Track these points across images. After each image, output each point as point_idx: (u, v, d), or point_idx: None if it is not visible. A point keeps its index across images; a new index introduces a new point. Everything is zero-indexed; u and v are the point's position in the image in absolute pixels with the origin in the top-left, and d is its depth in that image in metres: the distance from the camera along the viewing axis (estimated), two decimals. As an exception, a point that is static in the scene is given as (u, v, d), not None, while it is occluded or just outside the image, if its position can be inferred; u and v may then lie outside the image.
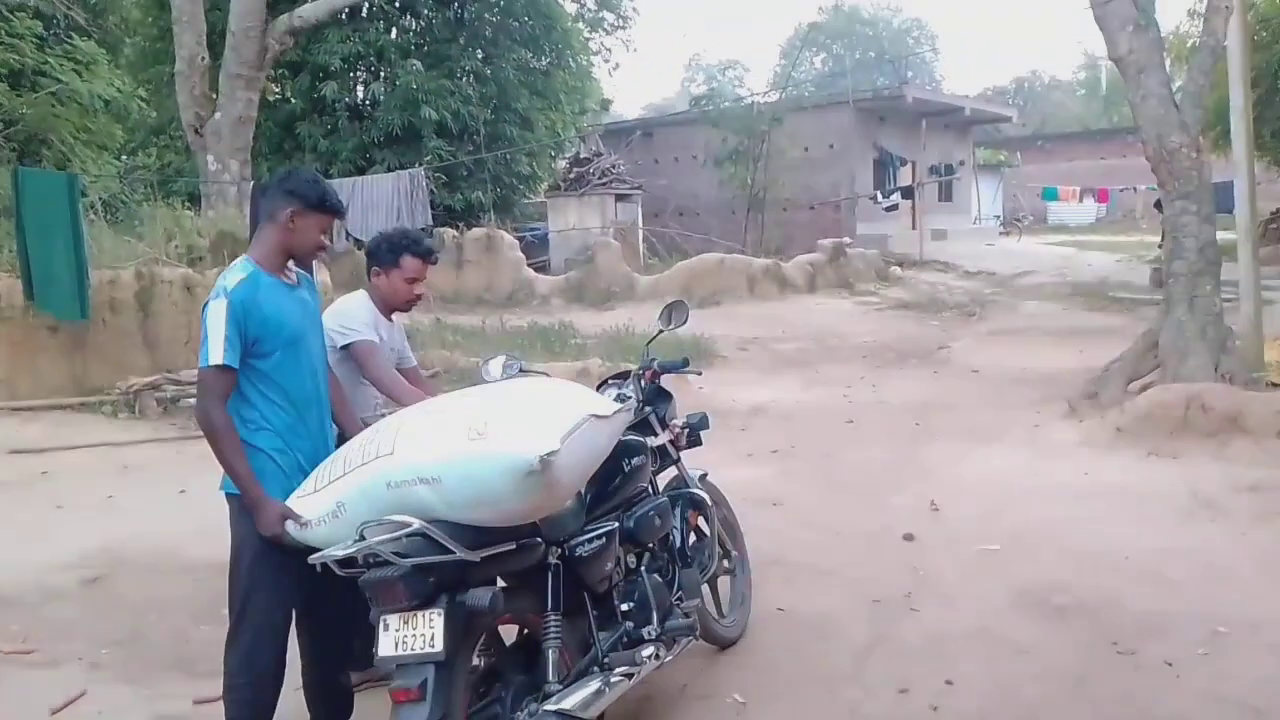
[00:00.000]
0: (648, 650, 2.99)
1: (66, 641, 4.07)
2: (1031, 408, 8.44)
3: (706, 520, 3.81)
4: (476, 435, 2.42)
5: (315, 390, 2.98)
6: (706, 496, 3.73)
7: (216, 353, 2.72)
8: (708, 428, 3.91)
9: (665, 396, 3.77)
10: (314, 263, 3.12)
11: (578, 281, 16.88)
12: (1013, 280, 19.52)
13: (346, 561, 2.51)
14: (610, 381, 3.73)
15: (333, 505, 2.61)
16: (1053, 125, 49.10)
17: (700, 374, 3.80)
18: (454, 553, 2.41)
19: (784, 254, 18.94)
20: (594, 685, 2.71)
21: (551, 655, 2.71)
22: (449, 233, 17.62)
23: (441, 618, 2.40)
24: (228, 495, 2.88)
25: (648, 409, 3.63)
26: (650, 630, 3.05)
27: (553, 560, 2.78)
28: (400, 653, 2.42)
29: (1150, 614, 4.17)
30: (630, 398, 3.46)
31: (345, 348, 3.44)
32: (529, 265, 17.93)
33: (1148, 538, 5.11)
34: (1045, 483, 6.23)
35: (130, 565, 4.90)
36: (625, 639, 3.05)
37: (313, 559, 2.52)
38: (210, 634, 4.07)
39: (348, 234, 17.80)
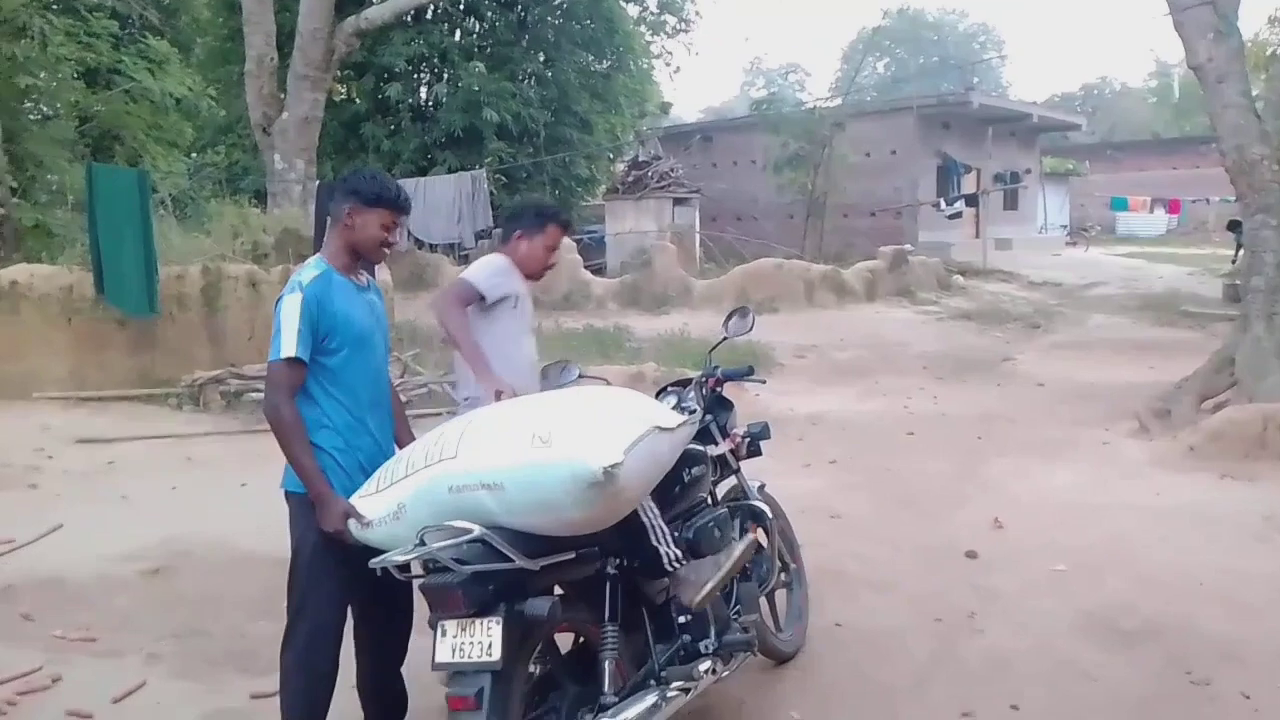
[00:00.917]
0: (705, 665, 2.93)
1: (128, 632, 4.12)
2: (1099, 423, 8.21)
3: (766, 533, 3.74)
4: (541, 443, 2.39)
5: (378, 391, 2.99)
6: (766, 508, 3.65)
7: (289, 346, 2.74)
8: (769, 437, 3.85)
9: (726, 405, 3.71)
10: (377, 262, 3.09)
11: (633, 285, 16.85)
12: (1079, 291, 19.08)
13: (405, 566, 2.49)
14: (670, 388, 3.68)
15: (394, 506, 2.60)
16: (1122, 133, 48.00)
17: (764, 382, 3.74)
18: (513, 561, 2.39)
19: (843, 261, 18.71)
20: (650, 700, 2.67)
21: (608, 666, 2.66)
22: (508, 234, 17.71)
23: (500, 626, 2.38)
24: (288, 493, 2.89)
25: (708, 417, 3.57)
26: (707, 644, 3.00)
27: (611, 570, 2.74)
28: (457, 659, 2.40)
29: (1225, 642, 4.00)
30: (695, 409, 3.40)
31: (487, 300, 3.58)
32: (585, 267, 17.95)
33: (1222, 562, 4.92)
34: (1114, 502, 6.04)
35: (191, 558, 4.96)
36: (682, 652, 2.99)
37: (373, 563, 2.51)
38: (267, 630, 4.10)
39: (409, 233, 17.99)
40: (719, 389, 3.68)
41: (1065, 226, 33.74)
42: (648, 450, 2.49)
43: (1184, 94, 50.31)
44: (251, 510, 5.54)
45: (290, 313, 2.76)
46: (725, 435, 3.61)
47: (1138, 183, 34.20)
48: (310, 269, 2.88)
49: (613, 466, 2.31)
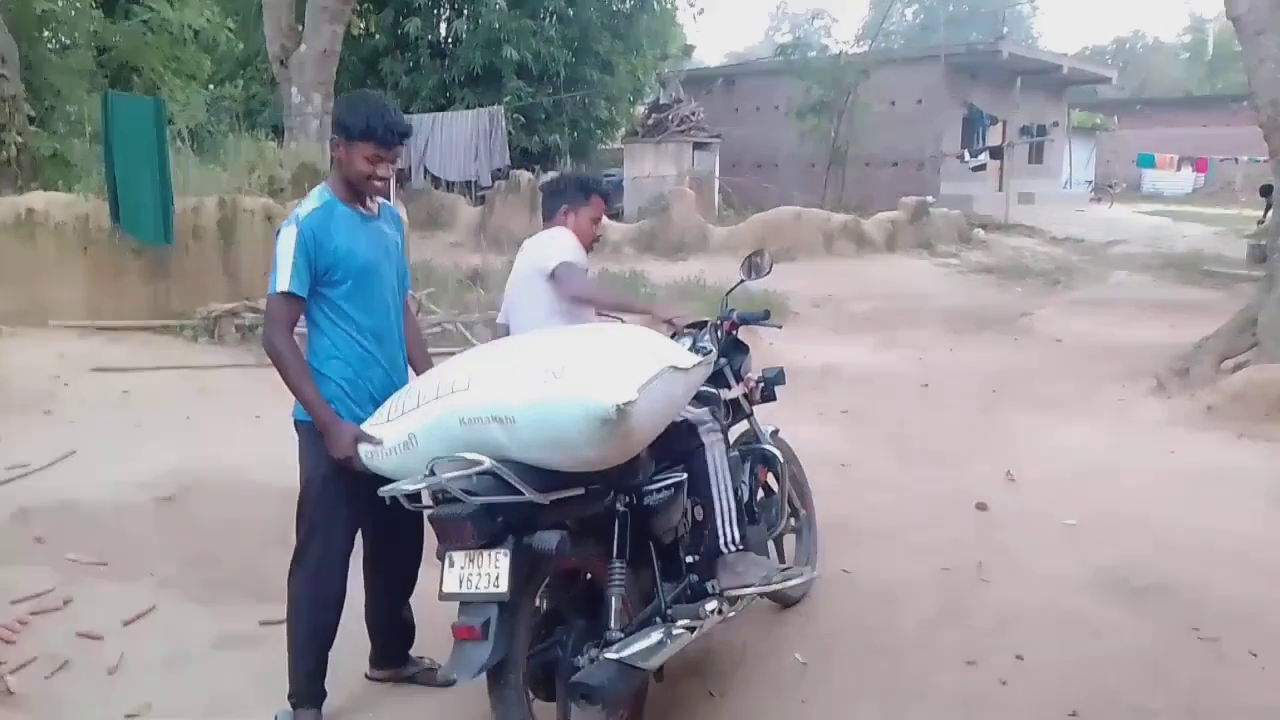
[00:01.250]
0: (710, 605, 2.93)
1: (139, 558, 4.16)
2: (1117, 381, 8.13)
3: (776, 477, 3.72)
4: (553, 377, 2.37)
5: (388, 322, 2.94)
6: (778, 453, 3.64)
7: (284, 280, 2.72)
8: (784, 383, 3.81)
9: (742, 349, 3.68)
10: (371, 196, 2.97)
11: (650, 230, 16.71)
12: (1102, 248, 18.84)
13: (415, 496, 2.48)
14: (686, 330, 3.64)
15: (404, 436, 2.59)
16: (1152, 89, 47.09)
17: (780, 327, 3.71)
18: (523, 494, 2.38)
19: (864, 211, 18.50)
20: (656, 636, 2.67)
21: (614, 603, 2.67)
22: (525, 175, 17.58)
23: (508, 558, 2.37)
24: (297, 423, 2.88)
25: (723, 360, 3.54)
26: (714, 585, 2.99)
27: (620, 508, 2.74)
28: (464, 590, 2.40)
29: (1235, 601, 3.98)
30: (710, 350, 3.37)
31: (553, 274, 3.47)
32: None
33: (1236, 522, 4.88)
34: (1128, 459, 6.00)
35: (203, 487, 4.99)
36: (689, 592, 2.99)
37: (382, 491, 2.50)
38: (278, 558, 4.09)
39: (426, 170, 17.89)
40: (734, 332, 3.64)
41: (1090, 182, 33.25)
42: (662, 390, 2.47)
43: (1218, 51, 49.21)
44: (265, 442, 5.55)
45: (286, 247, 2.72)
46: (739, 379, 3.59)
47: (1166, 140, 33.55)
48: (311, 200, 2.83)
49: (626, 404, 2.29)
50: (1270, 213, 15.94)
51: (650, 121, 21.29)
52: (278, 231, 2.79)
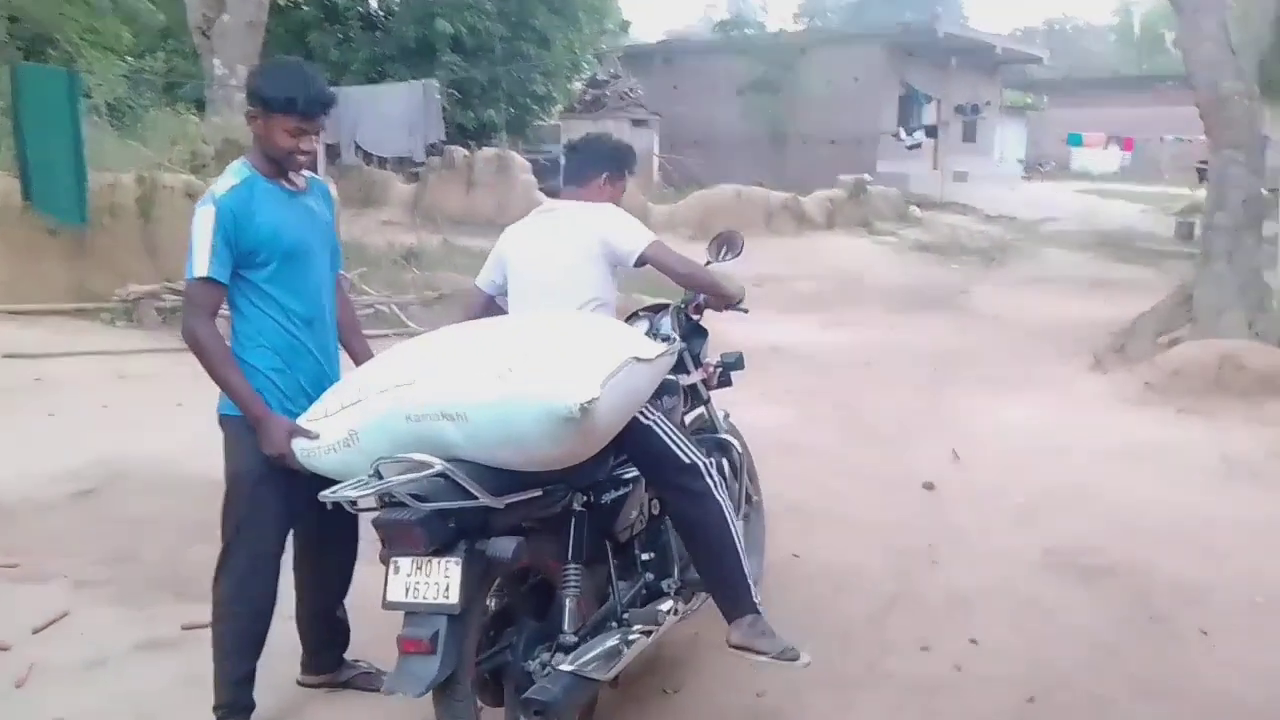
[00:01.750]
0: (667, 605, 2.81)
1: (54, 557, 3.89)
2: (1055, 358, 8.21)
3: (732, 467, 3.61)
4: (509, 371, 2.20)
5: (319, 306, 2.71)
6: (735, 443, 3.49)
7: (201, 264, 2.50)
8: (742, 368, 3.65)
9: (701, 333, 3.51)
10: (295, 171, 2.72)
11: (590, 208, 16.51)
12: (1035, 226, 19.14)
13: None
14: (642, 313, 3.47)
15: (345, 433, 2.39)
16: (1082, 70, 47.89)
17: (747, 311, 3.50)
18: (477, 498, 2.21)
19: (803, 188, 18.50)
20: (611, 643, 2.53)
21: (569, 604, 2.52)
22: (460, 151, 17.23)
23: (459, 567, 2.20)
24: (223, 417, 2.67)
25: (681, 344, 3.38)
26: (670, 583, 2.87)
27: (578, 507, 2.57)
28: (411, 599, 2.22)
29: (1184, 580, 3.98)
30: (672, 336, 3.23)
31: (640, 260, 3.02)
32: (540, 188, 17.54)
33: (1180, 500, 4.91)
34: (1071, 437, 6.02)
35: (123, 479, 4.72)
36: (644, 590, 2.86)
37: (324, 496, 2.29)
38: (203, 555, 3.86)
39: (357, 147, 17.39)
40: (698, 316, 3.47)
41: (1022, 161, 33.77)
42: (625, 383, 2.31)
43: (1145, 32, 50.32)
44: (187, 430, 5.28)
45: (203, 228, 2.49)
46: (698, 364, 3.43)
47: (1095, 119, 34.12)
48: (230, 176, 2.59)
49: (589, 402, 2.12)
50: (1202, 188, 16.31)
51: (588, 98, 21.06)
52: (193, 216, 2.56)
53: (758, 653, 2.72)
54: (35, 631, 3.31)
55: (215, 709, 2.71)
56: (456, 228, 14.94)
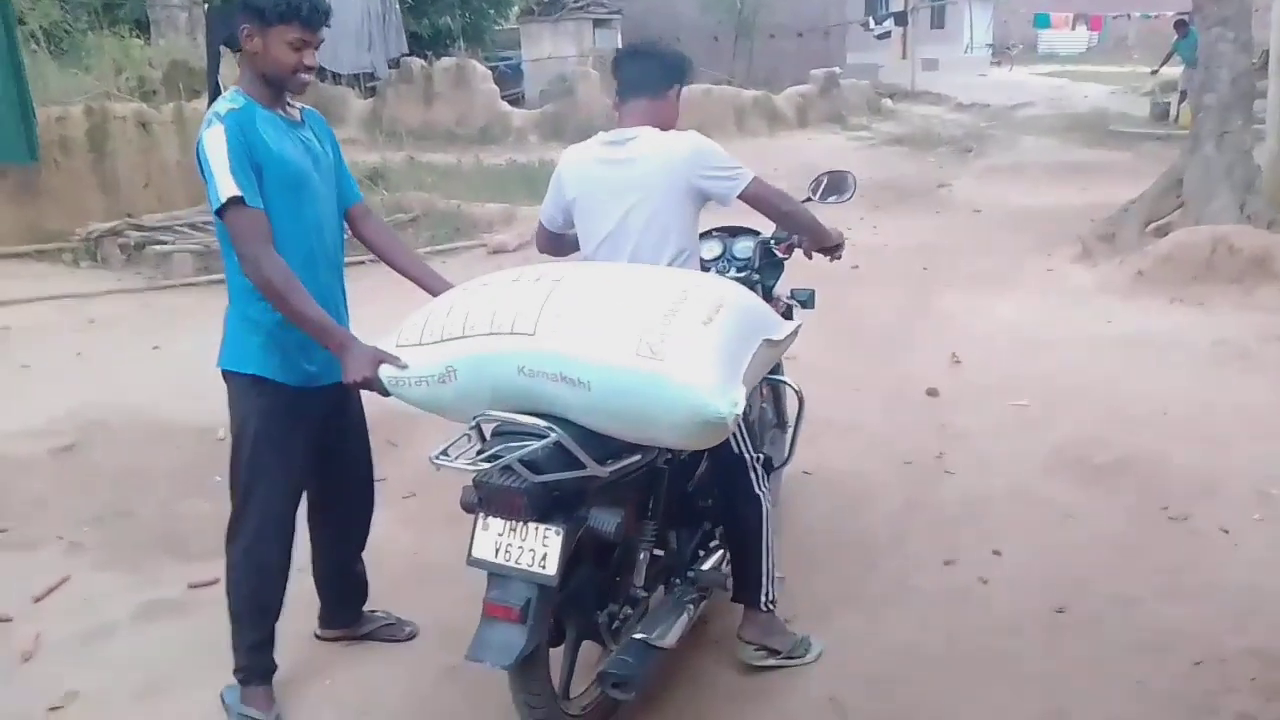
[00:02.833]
0: (725, 565, 2.75)
1: (42, 520, 3.76)
2: (1041, 249, 8.11)
3: (780, 416, 3.52)
4: (650, 353, 1.97)
5: (322, 246, 2.50)
6: (799, 389, 3.25)
7: (226, 185, 2.24)
8: (813, 307, 3.40)
9: (778, 266, 3.32)
10: (297, 93, 2.47)
11: (555, 115, 16.08)
12: (1008, 113, 18.86)
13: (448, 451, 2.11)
14: (715, 233, 3.27)
15: (441, 367, 2.17)
16: (1046, -54, 46.88)
17: (840, 258, 3.26)
18: (584, 467, 2.04)
19: (772, 86, 18.08)
20: (676, 607, 2.50)
21: (643, 558, 2.41)
22: (416, 62, 16.63)
23: (559, 538, 2.06)
24: (226, 373, 2.49)
25: (755, 277, 3.21)
26: (721, 531, 2.78)
27: (661, 464, 2.41)
28: (502, 561, 2.08)
29: (1196, 473, 3.96)
30: (746, 263, 3.16)
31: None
32: (503, 98, 17.03)
33: (1182, 390, 4.88)
34: (1066, 331, 5.96)
35: (106, 431, 4.53)
36: (701, 539, 2.78)
37: (435, 460, 2.08)
38: (199, 508, 3.79)
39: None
40: (787, 256, 3.26)
41: (990, 45, 33.21)
42: (755, 371, 2.17)
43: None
44: (167, 373, 5.13)
45: (215, 147, 2.26)
46: (770, 298, 3.25)
47: (1061, -1, 33.63)
48: (226, 101, 2.36)
49: (736, 408, 1.97)
50: (1173, 65, 16.09)
51: (546, -1, 20.29)
52: (199, 139, 2.32)
53: (770, 650, 2.74)
54: (36, 600, 3.20)
55: (235, 672, 2.62)
56: (419, 143, 14.52)
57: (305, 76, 2.40)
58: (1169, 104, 16.39)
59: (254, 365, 2.44)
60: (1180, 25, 15.72)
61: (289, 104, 2.47)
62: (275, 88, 2.40)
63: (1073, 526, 3.63)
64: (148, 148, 8.14)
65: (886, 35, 22.84)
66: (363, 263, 3.80)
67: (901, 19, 23.06)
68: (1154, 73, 17.71)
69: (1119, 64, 29.66)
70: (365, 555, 2.93)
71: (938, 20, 27.42)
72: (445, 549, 3.18)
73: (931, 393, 5.03)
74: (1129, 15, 29.58)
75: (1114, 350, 5.57)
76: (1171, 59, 16.14)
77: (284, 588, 2.63)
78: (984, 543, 3.51)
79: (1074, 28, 31.27)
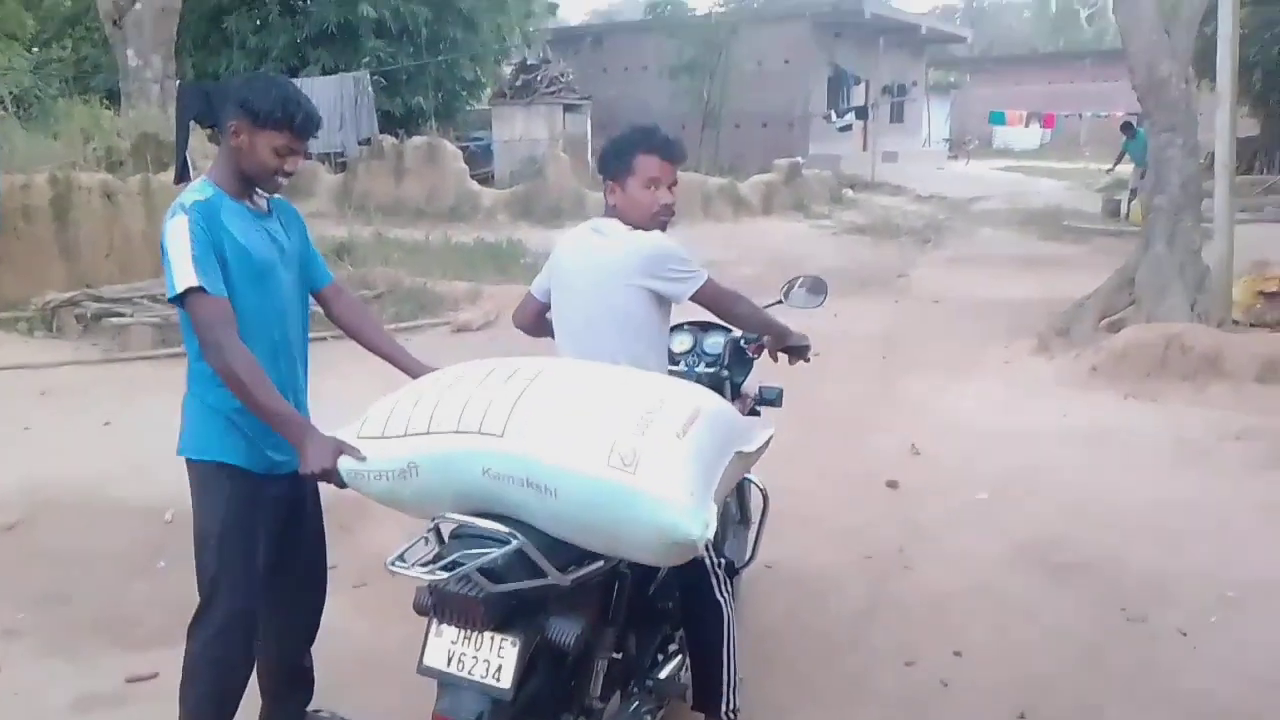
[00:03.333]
0: (684, 671, 2.69)
1: (-22, 602, 3.62)
2: (999, 341, 8.24)
3: (743, 512, 3.49)
4: (621, 465, 1.92)
5: (285, 337, 2.49)
6: (764, 488, 3.24)
7: (186, 275, 2.21)
8: (780, 405, 3.39)
9: (747, 364, 3.31)
10: (271, 194, 2.49)
11: (525, 195, 16.25)
12: (966, 206, 19.34)
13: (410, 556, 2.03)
14: (687, 327, 3.27)
15: (403, 463, 2.10)
16: (1000, 47, 48.80)
17: (809, 361, 3.27)
18: (546, 576, 1.97)
19: (737, 173, 18.46)
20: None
21: (601, 668, 2.33)
22: (388, 140, 16.80)
23: (516, 649, 1.98)
24: (190, 462, 2.43)
25: (725, 374, 3.20)
26: (681, 635, 2.72)
27: (624, 569, 2.33)
28: (454, 671, 1.99)
29: (1154, 574, 3.97)
30: (715, 360, 3.16)
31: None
32: (472, 176, 17.21)
33: (1140, 488, 4.93)
34: (1024, 424, 6.03)
35: (52, 509, 4.41)
36: (660, 642, 2.72)
37: (391, 566, 1.97)
38: (144, 592, 3.68)
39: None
40: (755, 356, 3.25)
41: (947, 140, 34.26)
42: (727, 485, 2.15)
43: (1060, 7, 51.36)
44: (119, 450, 5.01)
45: (178, 238, 2.25)
46: (737, 395, 3.24)
47: (1015, 96, 34.81)
48: (193, 192, 2.36)
49: (708, 530, 1.93)
50: (1123, 158, 16.65)
51: (518, 83, 20.65)
52: (163, 229, 2.31)
53: None
54: (-38, 694, 3.06)
55: None
56: (388, 218, 14.57)
57: (283, 180, 2.42)
58: (1120, 201, 16.93)
59: (218, 453, 2.40)
60: (1127, 127, 16.34)
61: (257, 194, 2.46)
62: (247, 182, 2.41)
63: (1033, 626, 3.61)
64: (111, 218, 8.09)
65: (848, 128, 23.50)
66: (324, 339, 3.77)
67: (862, 112, 23.76)
68: (1109, 172, 18.37)
69: (1071, 160, 30.68)
70: (312, 648, 2.85)
71: (897, 115, 28.27)
72: (397, 643, 3.09)
73: (892, 484, 5.04)
74: (1080, 115, 30.71)
75: (1071, 444, 5.63)
76: (1123, 158, 16.74)
77: (245, 683, 2.53)
78: (945, 642, 3.48)
79: (1027, 125, 32.19)
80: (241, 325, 2.31)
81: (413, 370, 2.57)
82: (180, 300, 2.26)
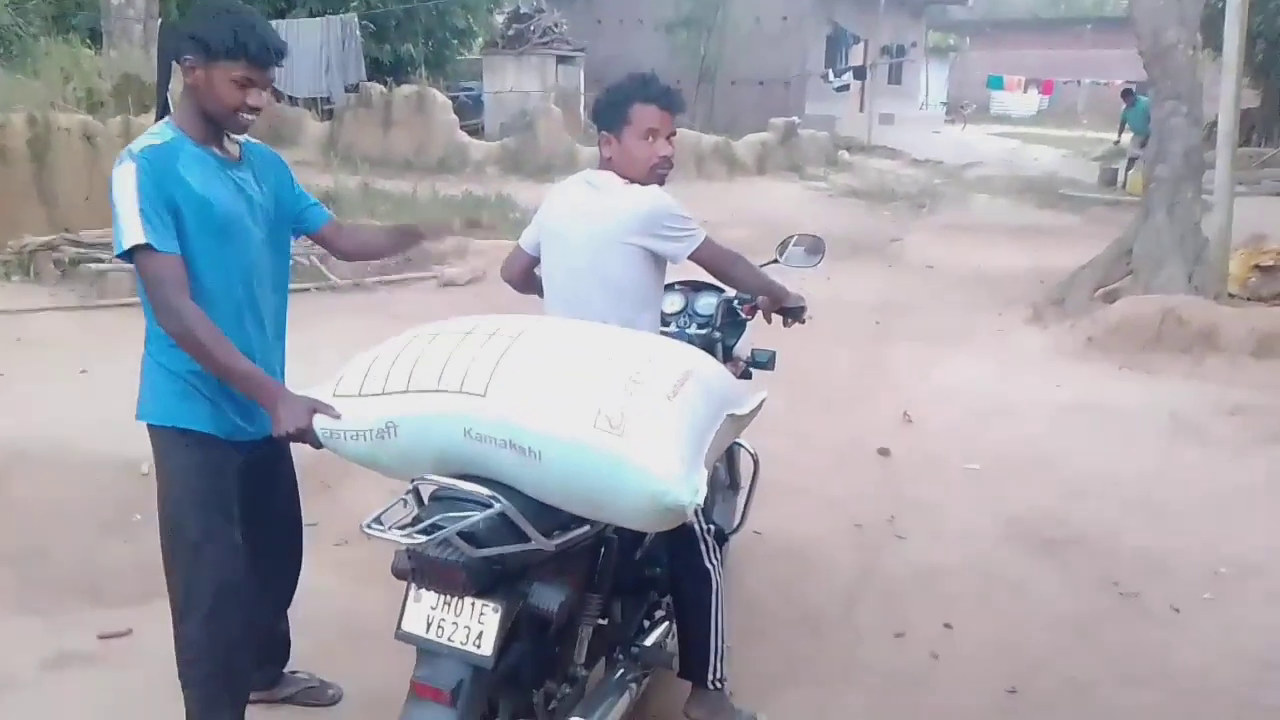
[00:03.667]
0: (670, 638, 2.63)
1: (-52, 557, 3.52)
2: (992, 310, 8.18)
3: (733, 477, 3.42)
4: (608, 427, 1.83)
5: (251, 298, 2.32)
6: (754, 452, 3.15)
7: (133, 231, 2.07)
8: (772, 369, 3.29)
9: (740, 325, 3.21)
10: (237, 133, 2.30)
11: (515, 149, 16.01)
12: (961, 171, 19.19)
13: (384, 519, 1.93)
14: (678, 286, 3.16)
15: (380, 422, 2.01)
16: (1001, 12, 48.24)
17: (805, 323, 3.17)
18: (530, 541, 1.88)
19: (732, 132, 18.23)
20: (618, 688, 2.37)
21: (586, 635, 2.26)
22: (376, 89, 16.49)
23: (498, 615, 1.90)
24: (152, 428, 2.30)
25: (717, 335, 3.10)
26: (669, 602, 2.65)
27: (610, 534, 2.25)
28: (433, 638, 1.92)
29: (1147, 550, 3.94)
30: (708, 320, 3.08)
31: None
32: (462, 128, 16.93)
33: (1133, 462, 4.89)
34: (1017, 395, 5.97)
35: (25, 462, 4.27)
36: (647, 609, 2.66)
37: (367, 528, 1.87)
38: (119, 549, 3.59)
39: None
40: (749, 317, 3.12)
41: (945, 103, 33.98)
42: (717, 449, 2.07)
43: (1062, -27, 50.72)
44: (95, 400, 4.87)
45: (124, 189, 2.09)
46: (729, 358, 3.14)
47: (1014, 62, 34.46)
48: (149, 136, 2.19)
49: (698, 496, 1.85)
50: (1125, 130, 16.51)
51: (510, 32, 20.25)
52: (109, 180, 2.13)
53: None
54: (-69, 651, 2.97)
55: None
56: (374, 169, 14.32)
57: (248, 117, 2.23)
58: (1117, 170, 16.82)
59: (177, 417, 2.26)
60: (1127, 95, 16.19)
61: (229, 139, 2.30)
62: (213, 125, 2.24)
63: (1024, 601, 3.57)
64: (91, 161, 7.88)
65: (845, 88, 23.23)
66: (308, 290, 3.65)
67: (860, 73, 23.48)
68: (1116, 143, 18.21)
69: (1069, 128, 30.50)
70: (290, 608, 2.76)
71: (895, 76, 27.97)
72: (377, 604, 2.99)
73: (883, 452, 4.98)
74: (1079, 81, 30.48)
75: (1065, 417, 5.58)
76: (1125, 127, 16.60)
77: (253, 661, 2.44)
78: (935, 615, 3.43)
79: (1025, 91, 32.00)
80: (201, 283, 2.18)
81: (422, 234, 2.80)
82: (128, 256, 2.12)
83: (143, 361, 2.32)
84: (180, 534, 2.30)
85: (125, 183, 2.10)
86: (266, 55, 2.18)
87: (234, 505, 2.33)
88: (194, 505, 2.28)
